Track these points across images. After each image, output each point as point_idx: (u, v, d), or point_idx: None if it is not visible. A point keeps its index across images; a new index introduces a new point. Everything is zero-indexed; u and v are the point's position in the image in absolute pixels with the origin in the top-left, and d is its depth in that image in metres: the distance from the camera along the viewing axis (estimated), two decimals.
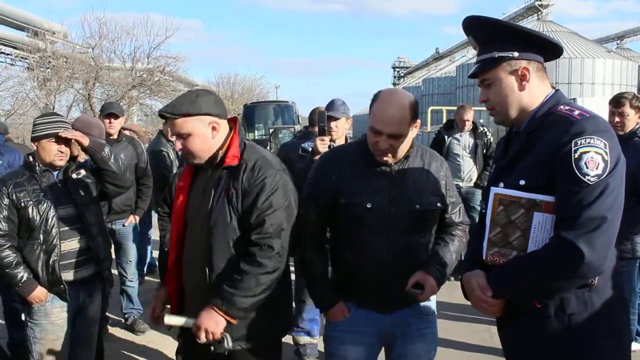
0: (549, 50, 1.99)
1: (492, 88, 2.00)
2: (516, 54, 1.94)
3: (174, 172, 5.37)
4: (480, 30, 2.03)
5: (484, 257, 2.00)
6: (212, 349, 2.40)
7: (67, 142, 3.10)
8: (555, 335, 1.90)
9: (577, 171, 1.75)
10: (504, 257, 1.94)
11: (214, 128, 2.42)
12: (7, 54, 27.11)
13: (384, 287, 2.42)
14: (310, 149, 3.93)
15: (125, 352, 4.59)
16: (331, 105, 4.03)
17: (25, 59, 22.66)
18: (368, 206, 2.39)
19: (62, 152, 3.08)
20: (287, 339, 4.12)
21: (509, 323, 2.05)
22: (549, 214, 1.84)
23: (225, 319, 2.33)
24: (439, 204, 2.49)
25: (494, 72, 1.98)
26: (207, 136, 2.41)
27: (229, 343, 2.36)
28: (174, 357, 3.36)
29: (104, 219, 4.27)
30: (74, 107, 20.48)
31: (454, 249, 2.54)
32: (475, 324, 4.96)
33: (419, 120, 2.41)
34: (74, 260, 3.08)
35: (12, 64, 25.30)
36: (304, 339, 4.13)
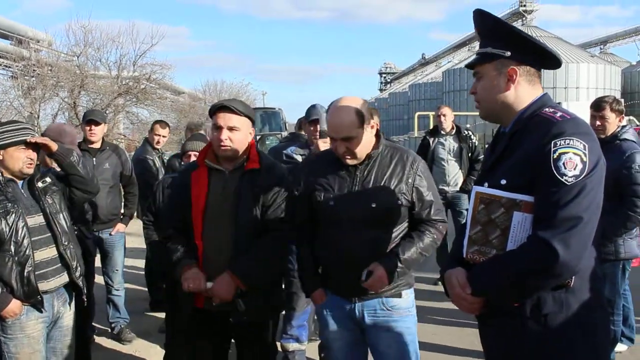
0: (544, 58, 2.02)
1: (481, 82, 2.05)
2: (508, 54, 1.96)
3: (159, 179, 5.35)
4: (482, 24, 2.08)
5: (464, 255, 2.02)
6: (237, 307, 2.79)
7: (35, 148, 3.04)
8: (531, 334, 1.89)
9: (555, 171, 1.76)
10: (483, 256, 1.95)
11: (250, 133, 2.91)
12: None
13: (349, 278, 2.62)
14: (293, 155, 3.97)
15: None
16: (312, 109, 4.07)
17: (9, 67, 22.46)
18: (331, 203, 2.66)
19: (31, 159, 3.01)
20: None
21: (488, 321, 2.06)
22: (529, 214, 1.85)
23: (237, 283, 2.73)
24: (399, 202, 2.64)
25: (486, 67, 2.03)
26: (247, 136, 2.89)
27: (241, 306, 2.78)
28: None
29: (90, 227, 4.28)
30: (59, 116, 20.27)
31: (419, 245, 2.65)
32: (463, 328, 4.96)
33: (373, 121, 2.68)
34: (47, 269, 3.01)
35: None
36: (292, 346, 4.12)
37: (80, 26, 20.32)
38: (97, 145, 4.93)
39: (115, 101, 20.76)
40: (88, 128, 4.87)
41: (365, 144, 2.64)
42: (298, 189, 2.83)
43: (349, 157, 2.62)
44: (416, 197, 2.67)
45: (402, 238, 2.68)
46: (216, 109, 2.85)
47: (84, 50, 20.54)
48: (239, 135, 2.84)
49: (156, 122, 6.44)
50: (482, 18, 2.08)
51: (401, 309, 2.72)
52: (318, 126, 3.80)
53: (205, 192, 2.84)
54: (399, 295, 2.71)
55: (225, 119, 2.81)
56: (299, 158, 3.94)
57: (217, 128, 2.81)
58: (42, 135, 4.07)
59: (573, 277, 1.83)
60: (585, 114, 4.54)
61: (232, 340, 3.15)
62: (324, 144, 3.58)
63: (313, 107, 4.13)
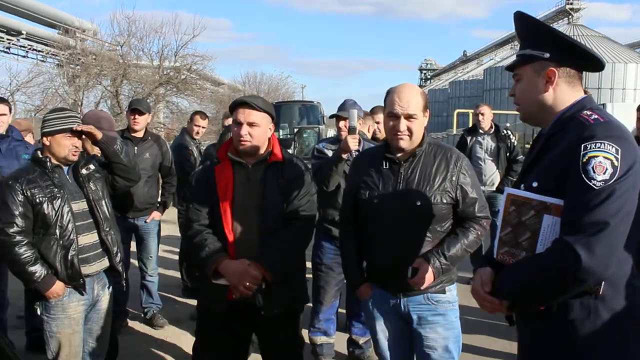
0: (585, 60, 1.99)
1: (520, 84, 2.04)
2: (547, 55, 1.94)
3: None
4: (522, 26, 2.07)
5: (494, 256, 2.01)
6: (257, 302, 2.83)
7: (80, 136, 3.14)
8: (557, 340, 1.88)
9: (583, 175, 1.73)
10: (513, 257, 1.95)
11: (270, 128, 2.96)
12: (39, 51, 27.69)
13: (394, 275, 2.65)
14: (324, 150, 3.98)
15: (142, 346, 4.65)
16: (342, 105, 4.07)
17: (56, 55, 23.10)
18: (375, 201, 2.69)
19: (76, 147, 3.11)
20: (305, 337, 4.16)
21: (519, 322, 2.06)
22: (558, 217, 1.82)
23: (264, 275, 2.77)
24: (444, 200, 2.65)
25: (525, 68, 2.01)
26: (267, 132, 2.94)
27: (260, 301, 2.82)
28: (190, 353, 3.39)
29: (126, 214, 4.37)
30: (101, 104, 20.81)
31: (464, 242, 2.68)
32: (495, 329, 4.90)
33: (429, 111, 2.71)
34: (89, 254, 3.12)
35: (43, 61, 25.90)
36: (320, 339, 4.15)
37: (124, 16, 20.79)
38: (139, 135, 5.02)
39: (156, 90, 21.14)
40: (132, 117, 4.97)
41: (421, 129, 2.67)
42: (346, 186, 2.89)
43: (406, 137, 2.62)
44: (460, 194, 2.68)
45: (447, 235, 2.70)
46: (236, 105, 2.91)
47: (127, 40, 20.98)
48: (258, 131, 2.89)
49: (196, 112, 6.50)
50: (521, 20, 2.07)
51: (446, 303, 2.76)
52: (347, 122, 3.78)
53: (231, 185, 2.89)
54: (443, 291, 2.75)
55: (245, 114, 2.86)
56: (330, 153, 3.94)
57: (238, 124, 2.87)
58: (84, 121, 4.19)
59: (602, 285, 1.79)
60: (630, 116, 4.45)
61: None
62: (352, 141, 3.56)
63: (343, 102, 4.12)
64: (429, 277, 2.57)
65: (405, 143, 2.65)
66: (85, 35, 23.96)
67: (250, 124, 2.86)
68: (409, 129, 2.62)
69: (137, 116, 4.96)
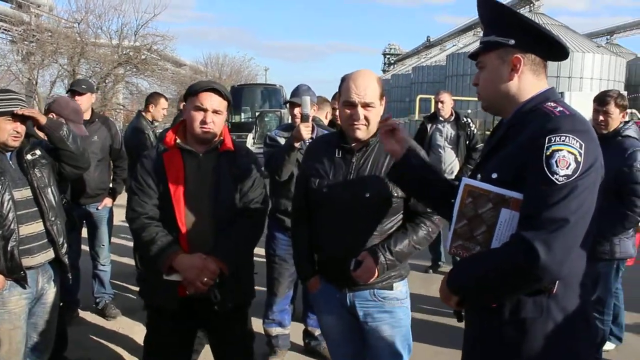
0: (551, 47, 1.92)
1: (484, 72, 1.97)
2: (512, 42, 1.88)
3: None
4: (486, 10, 2.00)
5: (448, 249, 1.96)
6: (214, 297, 2.72)
7: (23, 120, 2.96)
8: (508, 337, 1.84)
9: (546, 169, 1.67)
10: (467, 251, 1.89)
11: (225, 117, 2.87)
12: None
13: (340, 267, 2.56)
14: (276, 138, 3.87)
15: (93, 337, 4.52)
16: (296, 91, 3.95)
17: (8, 31, 22.18)
18: (325, 190, 2.61)
19: (17, 132, 2.92)
20: (259, 329, 4.09)
21: (468, 317, 2.03)
22: (517, 212, 1.77)
23: (221, 268, 2.69)
24: (395, 193, 2.56)
25: (489, 56, 1.95)
26: (224, 119, 2.85)
27: (217, 296, 2.72)
28: (142, 344, 3.28)
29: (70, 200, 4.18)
30: (57, 83, 20.16)
31: (412, 238, 2.59)
32: (452, 318, 4.91)
33: (385, 98, 2.62)
34: (32, 245, 2.95)
35: None
36: (275, 330, 4.10)
37: None
38: (85, 117, 4.75)
39: (115, 71, 20.61)
40: (73, 98, 4.71)
41: (377, 118, 2.58)
42: (298, 174, 2.82)
43: (363, 126, 2.54)
44: None
45: (396, 229, 2.62)
46: (201, 90, 2.77)
47: (85, 17, 20.34)
48: (221, 118, 2.81)
49: (159, 94, 6.24)
50: (485, 4, 1.99)
51: (393, 300, 2.67)
52: (299, 109, 3.68)
53: (182, 175, 2.77)
54: (390, 287, 2.66)
55: (212, 101, 2.76)
56: (283, 141, 3.82)
57: (201, 109, 2.75)
58: (48, 107, 4.00)
59: (557, 283, 1.76)
60: (588, 105, 4.47)
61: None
62: (305, 129, 3.45)
63: (297, 88, 4.00)
64: (373, 271, 2.50)
65: (362, 133, 2.56)
66: (40, 11, 23.11)
67: (215, 111, 2.77)
68: (366, 118, 2.53)
69: (76, 97, 4.68)
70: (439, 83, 43.57)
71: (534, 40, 1.89)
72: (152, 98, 6.04)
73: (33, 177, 2.98)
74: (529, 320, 1.80)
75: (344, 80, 2.60)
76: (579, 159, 1.67)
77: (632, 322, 4.87)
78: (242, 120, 23.53)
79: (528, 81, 1.90)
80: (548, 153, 1.69)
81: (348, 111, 2.55)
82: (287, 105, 4.01)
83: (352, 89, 2.52)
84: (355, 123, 2.53)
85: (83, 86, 4.83)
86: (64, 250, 3.10)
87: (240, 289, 2.91)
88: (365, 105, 2.52)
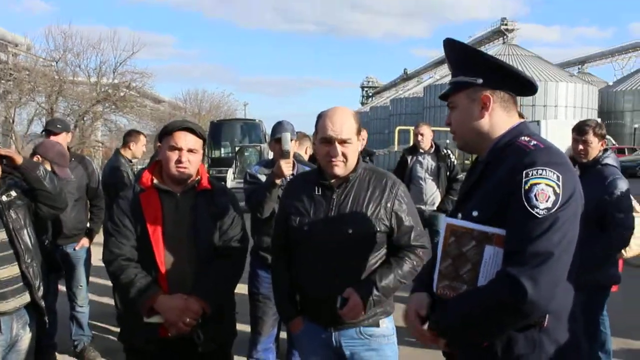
0: (519, 84, 1.94)
1: (455, 112, 1.99)
2: (480, 81, 1.89)
3: None
4: (453, 53, 2.02)
5: (434, 290, 1.93)
6: (197, 338, 2.69)
7: None
8: None
9: (526, 203, 1.67)
10: (454, 291, 1.86)
11: (201, 155, 2.85)
12: None
13: (324, 306, 2.52)
14: (257, 175, 3.84)
15: None
16: (277, 127, 3.93)
17: None
18: (305, 229, 2.58)
19: None
20: None
21: (462, 357, 1.97)
22: (501, 248, 1.75)
23: (203, 308, 2.65)
24: (378, 228, 2.54)
25: (459, 96, 1.96)
26: (200, 158, 2.83)
27: (200, 336, 2.69)
28: None
29: (45, 241, 4.09)
30: (35, 121, 20.07)
31: (397, 272, 2.56)
32: (434, 350, 4.86)
33: (364, 132, 2.64)
34: (7, 289, 2.84)
35: None
36: None
37: (60, 31, 20.28)
38: None
39: (94, 108, 20.61)
40: (47, 138, 4.66)
41: (355, 154, 2.58)
42: (277, 212, 2.80)
43: (341, 163, 2.52)
44: (395, 222, 2.58)
45: (380, 265, 2.59)
46: (175, 129, 2.76)
47: (63, 56, 20.44)
48: (197, 157, 2.79)
49: (137, 132, 6.20)
50: (451, 47, 2.01)
51: (380, 337, 2.63)
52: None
53: (160, 215, 2.73)
54: (377, 324, 2.62)
55: (186, 140, 2.74)
56: (264, 178, 3.79)
57: (176, 149, 2.73)
58: (34, 150, 3.96)
59: (547, 317, 1.74)
60: (564, 132, 4.55)
61: None
62: (286, 165, 3.42)
63: (279, 123, 3.97)
64: (359, 308, 2.47)
65: (340, 169, 2.54)
66: (18, 50, 23.11)
67: (190, 150, 2.74)
68: (344, 155, 2.52)
69: (52, 137, 4.61)
70: (416, 114, 44.22)
71: (502, 78, 1.91)
72: (131, 136, 5.99)
73: (8, 219, 2.90)
74: (522, 357, 1.77)
75: (320, 117, 2.60)
76: (558, 191, 1.68)
77: (618, 348, 4.85)
78: (222, 155, 23.53)
79: (499, 117, 1.92)
80: (526, 187, 1.69)
81: (325, 148, 2.53)
82: (271, 141, 3.97)
83: (329, 126, 2.51)
84: (333, 160, 2.51)
85: (58, 125, 4.79)
86: (40, 294, 3.00)
87: (222, 328, 2.86)
88: (342, 142, 2.50)
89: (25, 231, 2.98)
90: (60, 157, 3.91)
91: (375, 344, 2.62)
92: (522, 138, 1.84)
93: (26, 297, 2.95)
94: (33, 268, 2.97)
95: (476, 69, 1.91)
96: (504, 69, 1.91)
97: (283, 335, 4.45)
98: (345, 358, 2.63)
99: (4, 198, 2.94)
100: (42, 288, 3.03)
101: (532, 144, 1.80)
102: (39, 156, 3.85)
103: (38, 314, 3.07)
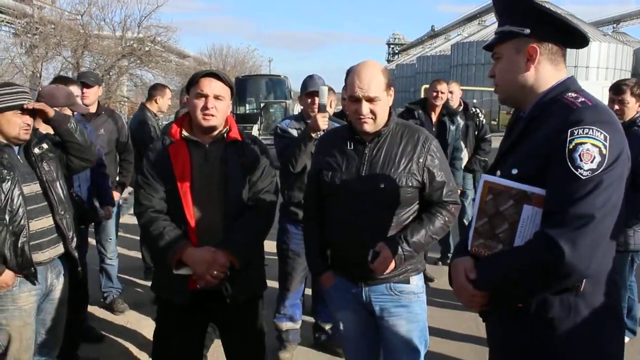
0: (568, 35, 1.85)
1: (500, 63, 1.91)
2: (527, 31, 1.81)
3: None
4: (500, 0, 1.93)
5: (469, 248, 1.89)
6: (225, 290, 2.72)
7: (31, 114, 2.92)
8: (536, 338, 1.78)
9: (569, 163, 1.62)
10: (489, 250, 1.83)
11: (229, 105, 2.81)
12: None
13: (355, 260, 2.54)
14: (288, 129, 3.80)
15: (102, 332, 4.47)
16: (309, 81, 3.87)
17: (11, 24, 22.18)
18: (338, 183, 2.57)
19: (27, 125, 2.89)
20: (269, 323, 4.06)
21: (492, 319, 1.96)
22: (540, 208, 1.71)
23: (232, 261, 2.65)
24: (410, 183, 2.53)
25: (504, 46, 1.89)
26: (229, 108, 2.81)
27: (228, 289, 2.71)
28: (151, 339, 3.25)
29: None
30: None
31: (429, 228, 2.56)
32: (463, 312, 4.87)
33: (393, 88, 2.58)
34: (43, 239, 2.91)
35: None
36: (286, 325, 4.05)
37: None
38: (92, 109, 4.73)
39: (119, 63, 20.62)
40: (81, 91, 4.66)
41: (385, 110, 2.55)
42: (310, 167, 2.79)
43: (370, 120, 2.50)
44: (427, 177, 2.56)
45: (412, 220, 2.58)
46: (201, 76, 2.72)
47: (88, 9, 20.36)
48: (223, 105, 2.74)
49: (163, 86, 6.17)
50: None
51: (410, 294, 2.64)
52: (316, 99, 3.61)
53: (189, 168, 2.71)
54: (407, 281, 2.63)
55: (212, 86, 2.69)
56: (294, 132, 3.76)
57: (202, 96, 2.69)
58: (39, 98, 3.94)
59: (584, 281, 1.70)
60: (595, 94, 4.41)
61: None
62: (322, 119, 3.40)
63: (310, 78, 3.91)
64: (390, 263, 2.47)
65: (369, 126, 2.52)
66: (43, 3, 23.05)
67: (217, 97, 2.69)
68: (372, 112, 2.49)
69: (85, 90, 4.61)
70: (443, 72, 43.47)
71: (550, 29, 1.83)
72: (157, 90, 5.97)
73: (42, 171, 2.94)
74: (556, 320, 1.74)
75: (349, 73, 2.58)
76: (604, 152, 1.62)
77: None
78: (247, 111, 23.49)
79: (546, 71, 1.84)
80: (571, 147, 1.63)
81: (354, 106, 2.52)
82: (301, 95, 3.92)
83: (356, 84, 2.48)
84: (362, 117, 2.50)
85: (91, 78, 4.80)
86: (73, 245, 3.06)
87: (251, 281, 2.86)
88: (370, 100, 2.47)
89: (57, 183, 3.02)
90: (69, 97, 3.86)
91: (405, 301, 2.63)
92: (569, 94, 1.77)
93: (60, 248, 3.01)
94: (66, 219, 3.02)
95: (524, 18, 1.82)
96: (554, 19, 1.82)
97: (308, 292, 4.49)
98: (374, 313, 2.65)
99: (37, 150, 2.98)
100: (75, 239, 3.08)
101: (579, 100, 1.73)
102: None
103: (71, 264, 3.14)
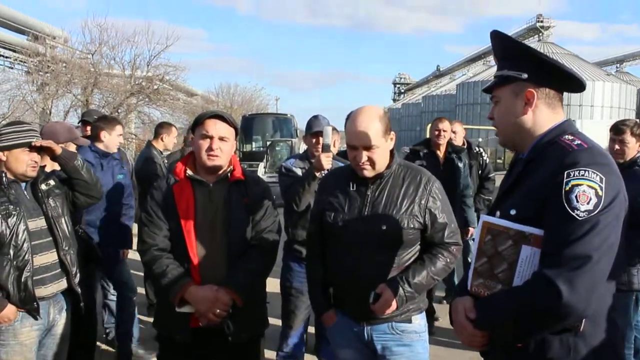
0: (565, 80, 1.90)
1: (498, 106, 1.96)
2: (525, 76, 1.86)
3: None
4: (499, 45, 1.99)
5: (468, 287, 1.91)
6: (227, 329, 2.73)
7: (39, 151, 2.98)
8: None
9: (566, 204, 1.64)
10: (488, 290, 1.84)
11: (233, 145, 2.86)
12: (6, 57, 27.03)
13: (357, 301, 2.54)
14: (292, 168, 3.84)
15: None
16: (314, 121, 3.93)
17: (24, 62, 22.58)
18: (340, 224, 2.59)
19: (35, 162, 2.95)
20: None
21: (494, 357, 1.95)
22: (538, 249, 1.73)
23: (234, 299, 2.67)
24: (412, 225, 2.55)
25: (502, 90, 1.94)
26: (233, 148, 2.86)
27: (230, 327, 2.71)
28: None
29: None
30: (71, 113, 20.42)
31: (431, 269, 2.57)
32: (466, 351, 4.83)
33: (393, 132, 2.61)
34: (46, 274, 2.94)
35: (10, 67, 25.27)
36: None
37: (96, 24, 20.48)
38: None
39: (128, 100, 20.85)
40: (84, 129, 4.77)
41: (385, 155, 2.58)
42: (313, 207, 2.85)
43: (368, 167, 2.54)
44: (429, 219, 2.58)
45: (413, 261, 2.60)
46: (207, 118, 2.78)
47: (99, 49, 20.67)
48: (228, 146, 2.79)
49: (169, 124, 6.26)
50: (498, 40, 1.98)
51: (412, 333, 2.64)
52: (320, 139, 3.66)
53: (193, 206, 2.75)
54: (409, 320, 2.64)
55: (217, 128, 2.75)
56: (299, 171, 3.80)
57: (207, 137, 2.74)
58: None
59: (583, 321, 1.70)
60: (599, 132, 4.46)
61: None
62: (326, 159, 3.44)
63: (315, 118, 3.98)
64: (392, 304, 2.48)
65: (368, 172, 2.56)
66: (56, 42, 23.53)
67: (222, 138, 2.75)
68: (370, 159, 2.53)
69: (87, 127, 4.73)
70: (449, 112, 43.78)
71: (547, 74, 1.87)
72: (163, 128, 6.06)
73: (47, 207, 2.99)
74: None
75: (347, 120, 2.61)
76: (600, 193, 1.64)
77: None
78: (254, 149, 23.67)
79: (543, 114, 1.88)
80: (567, 188, 1.65)
81: (352, 153, 2.56)
82: (307, 135, 3.97)
83: (353, 132, 2.52)
84: (360, 164, 2.54)
85: (94, 116, 4.89)
86: (77, 280, 3.08)
87: (253, 319, 2.87)
88: (367, 148, 2.51)
89: (63, 219, 3.06)
90: (70, 132, 3.94)
91: (406, 340, 2.62)
92: (566, 137, 1.80)
93: (63, 283, 3.04)
94: (70, 255, 3.05)
95: (521, 63, 1.88)
96: (551, 65, 1.87)
97: (311, 329, 4.46)
98: (376, 352, 2.64)
99: (44, 187, 3.03)
100: (78, 275, 3.10)
101: (575, 143, 1.76)
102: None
103: (74, 300, 3.15)
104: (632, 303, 3.97)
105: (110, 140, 4.47)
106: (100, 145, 4.42)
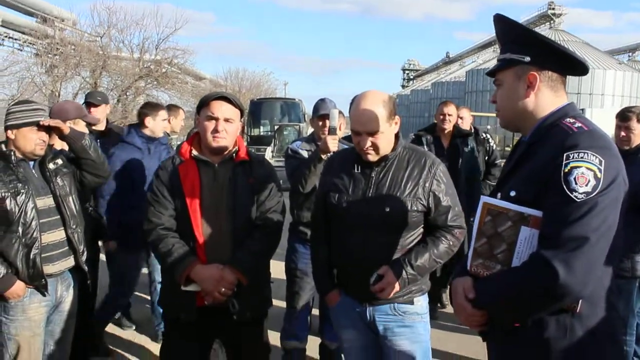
0: (568, 63, 1.90)
1: (501, 89, 1.97)
2: (527, 59, 1.87)
3: None
4: (501, 29, 1.99)
5: (468, 267, 1.93)
6: (232, 307, 2.77)
7: (47, 130, 3.02)
8: (531, 358, 1.81)
9: (565, 186, 1.65)
10: (487, 270, 1.86)
11: (238, 126, 2.87)
12: (15, 39, 27.09)
13: (360, 282, 2.56)
14: (299, 150, 3.87)
15: (110, 347, 4.51)
16: (321, 104, 3.95)
17: (33, 44, 22.65)
18: (344, 205, 2.61)
19: (43, 141, 2.99)
20: (275, 341, 4.07)
21: (490, 338, 1.99)
22: (537, 230, 1.74)
23: (239, 278, 2.72)
24: (415, 207, 2.56)
25: (505, 73, 1.94)
26: (238, 129, 2.87)
27: (235, 306, 2.76)
28: (158, 355, 3.29)
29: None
30: (79, 95, 20.49)
31: (433, 252, 2.59)
32: (468, 335, 4.86)
33: (397, 117, 2.61)
34: (54, 252, 2.99)
35: (19, 49, 25.33)
36: (292, 344, 4.05)
37: (104, 7, 20.52)
38: (100, 128, 4.83)
39: (136, 83, 20.92)
40: (88, 110, 4.77)
41: (389, 140, 2.59)
42: (318, 188, 2.84)
43: (372, 152, 2.56)
44: (433, 202, 2.59)
45: (416, 243, 2.62)
46: (212, 99, 2.80)
47: (108, 32, 20.73)
48: (233, 127, 2.82)
49: (178, 107, 6.27)
50: (500, 23, 1.99)
51: (413, 314, 2.67)
52: (327, 122, 3.68)
53: (198, 186, 2.78)
54: (411, 302, 2.66)
55: (222, 109, 2.77)
56: (305, 153, 3.83)
57: (212, 118, 2.77)
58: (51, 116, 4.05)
59: (580, 302, 1.72)
60: (609, 121, 4.43)
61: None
62: (332, 141, 3.46)
63: (322, 101, 3.99)
64: (393, 285, 2.51)
65: (372, 157, 2.58)
66: (64, 25, 23.59)
67: (227, 120, 2.77)
68: (374, 144, 2.54)
69: (91, 109, 4.73)
70: (458, 99, 43.53)
71: (550, 57, 1.88)
72: (170, 110, 6.06)
73: (55, 186, 3.04)
74: (552, 340, 1.76)
75: (352, 104, 2.63)
76: (599, 176, 1.65)
77: None
78: (261, 133, 23.71)
79: (545, 97, 1.89)
80: (566, 170, 1.66)
81: (356, 138, 2.58)
82: (314, 117, 3.99)
83: (356, 118, 2.54)
84: (364, 149, 2.56)
85: (98, 98, 4.91)
86: (84, 258, 3.14)
87: (258, 299, 2.91)
88: (371, 134, 2.52)
89: (70, 198, 3.10)
90: (79, 110, 3.98)
91: (408, 321, 2.65)
92: (567, 119, 1.81)
93: (71, 261, 3.09)
94: (78, 233, 3.10)
95: (524, 46, 1.88)
96: (553, 47, 1.87)
97: (315, 311, 4.50)
98: (378, 333, 2.67)
99: (51, 165, 3.07)
100: (85, 253, 3.15)
101: (576, 125, 1.77)
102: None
103: (81, 277, 3.21)
104: (635, 289, 3.98)
105: (155, 125, 4.56)
106: (145, 131, 4.52)
